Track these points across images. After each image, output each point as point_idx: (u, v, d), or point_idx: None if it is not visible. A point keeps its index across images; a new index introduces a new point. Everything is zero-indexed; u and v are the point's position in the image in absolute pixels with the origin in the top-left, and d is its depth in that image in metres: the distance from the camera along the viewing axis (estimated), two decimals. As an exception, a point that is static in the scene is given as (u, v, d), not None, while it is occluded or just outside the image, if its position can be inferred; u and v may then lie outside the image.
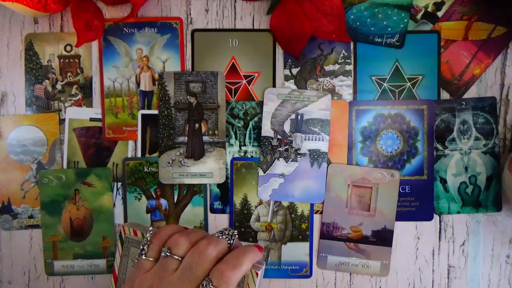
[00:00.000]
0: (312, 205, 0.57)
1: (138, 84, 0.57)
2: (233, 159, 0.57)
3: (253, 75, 0.57)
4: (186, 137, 0.56)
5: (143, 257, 0.41)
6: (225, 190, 0.57)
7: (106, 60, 0.56)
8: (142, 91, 0.57)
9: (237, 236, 0.42)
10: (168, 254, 0.39)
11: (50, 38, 0.56)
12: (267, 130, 0.56)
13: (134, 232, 0.46)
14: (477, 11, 0.55)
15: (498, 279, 0.57)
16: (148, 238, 0.42)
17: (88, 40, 0.53)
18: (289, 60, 0.56)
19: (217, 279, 0.37)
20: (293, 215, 0.57)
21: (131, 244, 0.46)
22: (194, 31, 0.56)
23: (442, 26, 0.55)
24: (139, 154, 0.57)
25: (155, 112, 0.56)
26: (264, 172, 0.56)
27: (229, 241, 0.41)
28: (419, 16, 0.55)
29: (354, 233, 0.56)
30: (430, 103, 0.56)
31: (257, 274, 0.40)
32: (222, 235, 0.41)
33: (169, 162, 0.56)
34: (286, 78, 0.57)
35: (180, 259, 0.39)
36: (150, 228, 0.43)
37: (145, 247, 0.41)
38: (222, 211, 0.57)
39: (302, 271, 0.57)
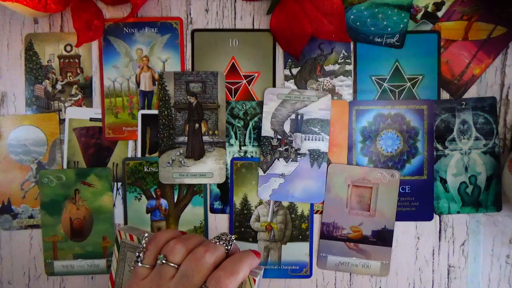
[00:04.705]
0: (312, 205, 0.57)
1: (138, 84, 0.57)
2: (233, 159, 0.57)
3: (253, 75, 0.57)
4: (186, 137, 0.56)
5: (139, 264, 0.40)
6: (225, 190, 0.57)
7: (106, 60, 0.56)
8: (142, 91, 0.57)
9: (234, 241, 0.41)
10: (164, 261, 0.39)
11: (50, 38, 0.56)
12: (267, 130, 0.56)
13: (130, 237, 0.45)
14: (477, 11, 0.55)
15: (498, 279, 0.57)
16: (144, 245, 0.41)
17: (88, 40, 0.53)
18: (289, 60, 0.56)
19: (214, 287, 0.37)
20: (293, 215, 0.57)
21: (127, 249, 0.45)
22: (194, 31, 0.56)
23: (442, 26, 0.55)
24: (139, 154, 0.57)
25: (155, 112, 0.56)
26: (264, 172, 0.56)
27: (226, 247, 0.40)
28: (419, 16, 0.55)
29: (354, 233, 0.56)
30: (430, 103, 0.56)
31: (254, 280, 0.40)
32: (219, 241, 0.40)
33: (169, 162, 0.56)
34: (286, 78, 0.57)
35: (176, 266, 0.39)
36: (146, 234, 0.42)
37: (141, 254, 0.40)
38: (222, 211, 0.57)
39: (302, 271, 0.57)
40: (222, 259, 0.40)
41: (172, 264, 0.39)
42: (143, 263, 0.40)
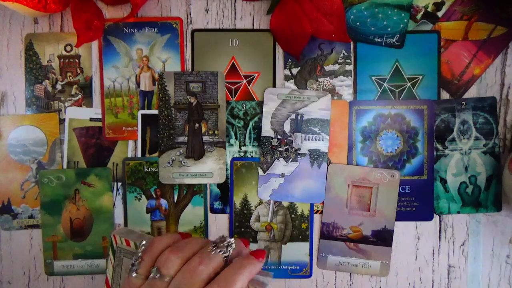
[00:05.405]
0: (312, 205, 0.57)
1: (138, 84, 0.57)
2: (233, 159, 0.57)
3: (253, 75, 0.57)
4: (186, 137, 0.56)
5: (134, 274, 0.38)
6: (225, 190, 0.57)
7: (106, 60, 0.56)
8: (142, 91, 0.57)
9: (234, 246, 0.38)
10: (157, 276, 0.37)
11: (50, 38, 0.56)
12: (267, 130, 0.56)
13: (126, 242, 0.43)
14: (477, 11, 0.55)
15: (498, 279, 0.57)
16: (140, 254, 0.39)
17: (88, 40, 0.53)
18: (289, 60, 0.56)
19: None
20: (293, 215, 0.57)
21: (123, 255, 0.44)
22: (194, 31, 0.56)
23: (442, 26, 0.55)
24: (139, 154, 0.57)
25: (155, 112, 0.56)
26: (264, 172, 0.56)
27: (224, 254, 0.37)
28: (419, 16, 0.55)
29: (354, 233, 0.56)
30: (430, 103, 0.56)
31: None
32: (217, 249, 0.38)
33: (169, 162, 0.56)
34: (286, 78, 0.57)
35: (169, 280, 0.36)
36: (143, 242, 0.40)
37: (136, 263, 0.38)
38: (222, 211, 0.57)
39: (302, 271, 0.57)
40: (219, 268, 0.37)
41: (165, 278, 0.36)
42: (138, 273, 0.38)
